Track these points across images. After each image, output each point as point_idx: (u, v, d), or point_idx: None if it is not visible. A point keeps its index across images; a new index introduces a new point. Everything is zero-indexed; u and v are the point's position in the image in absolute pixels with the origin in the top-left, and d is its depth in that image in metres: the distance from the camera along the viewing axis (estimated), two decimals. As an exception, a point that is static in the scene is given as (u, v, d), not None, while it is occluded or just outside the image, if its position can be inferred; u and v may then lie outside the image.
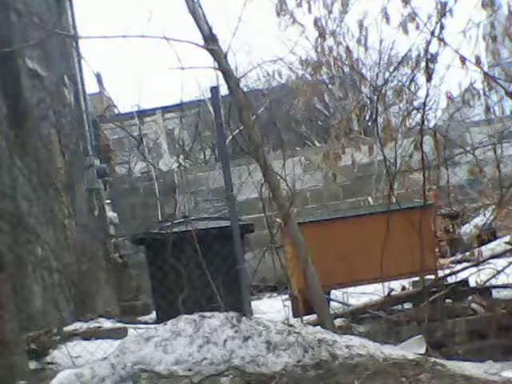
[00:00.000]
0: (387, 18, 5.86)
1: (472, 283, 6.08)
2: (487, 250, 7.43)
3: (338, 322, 6.59)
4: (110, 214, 11.12)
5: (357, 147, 6.37)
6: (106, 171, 10.49)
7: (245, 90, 9.21)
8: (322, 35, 6.26)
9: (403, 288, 6.26)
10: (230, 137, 7.07)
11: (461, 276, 6.03)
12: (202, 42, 6.45)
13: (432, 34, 5.63)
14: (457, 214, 10.37)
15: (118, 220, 11.32)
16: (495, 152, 6.58)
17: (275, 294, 8.89)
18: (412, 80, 6.79)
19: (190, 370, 4.98)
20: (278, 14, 6.17)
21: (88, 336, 6.35)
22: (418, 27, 5.71)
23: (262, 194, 6.56)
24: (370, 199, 11.53)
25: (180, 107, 13.50)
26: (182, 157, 17.68)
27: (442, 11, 5.59)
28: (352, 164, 6.62)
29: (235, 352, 5.09)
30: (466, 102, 5.99)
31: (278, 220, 6.61)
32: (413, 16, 5.68)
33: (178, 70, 6.09)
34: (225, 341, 5.17)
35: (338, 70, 6.76)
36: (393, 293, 6.08)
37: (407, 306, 5.88)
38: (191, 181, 12.97)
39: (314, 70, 6.55)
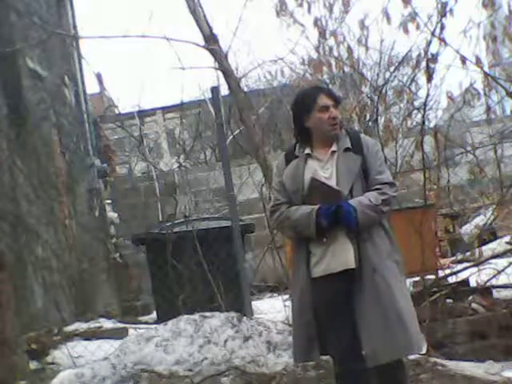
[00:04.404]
0: (388, 18, 5.85)
1: (472, 283, 6.08)
2: (488, 249, 7.42)
3: (338, 322, 6.57)
4: (111, 213, 11.13)
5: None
6: (106, 171, 10.50)
7: (245, 90, 9.21)
8: (322, 35, 6.26)
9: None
10: (231, 137, 7.08)
11: (461, 276, 6.02)
12: (202, 42, 6.46)
13: (432, 33, 5.63)
14: (457, 213, 10.37)
15: (119, 220, 11.32)
16: (496, 152, 6.57)
17: (276, 294, 8.87)
18: (413, 80, 6.80)
19: (190, 370, 4.98)
20: (278, 14, 6.17)
21: (88, 336, 6.35)
22: (418, 27, 5.71)
23: (263, 194, 6.56)
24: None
25: (180, 107, 13.48)
26: (182, 157, 17.66)
27: (443, 11, 5.59)
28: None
29: (236, 352, 5.09)
30: (466, 101, 5.99)
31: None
32: (413, 16, 5.68)
33: (179, 70, 6.11)
34: (225, 341, 5.17)
35: (338, 69, 6.74)
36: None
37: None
38: (192, 181, 12.96)
39: (315, 70, 6.54)
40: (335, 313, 3.47)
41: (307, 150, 3.65)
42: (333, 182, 3.51)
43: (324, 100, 3.59)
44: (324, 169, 3.58)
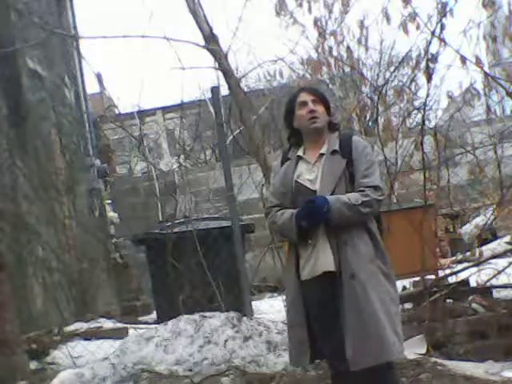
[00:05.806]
0: (388, 18, 5.86)
1: (472, 283, 6.08)
2: (488, 249, 7.41)
3: (338, 322, 6.56)
4: (111, 214, 11.11)
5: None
6: (106, 171, 10.49)
7: (245, 90, 9.21)
8: (322, 35, 6.27)
9: (404, 288, 6.25)
10: (231, 137, 7.08)
11: (461, 276, 6.02)
12: (202, 42, 6.47)
13: (432, 33, 5.63)
14: (457, 213, 10.37)
15: (119, 220, 11.31)
16: (496, 152, 6.58)
17: (276, 294, 8.88)
18: (412, 80, 6.81)
19: (190, 370, 4.98)
20: (278, 14, 6.17)
21: (89, 336, 6.34)
22: (418, 27, 5.71)
23: (263, 194, 6.56)
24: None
25: (180, 107, 13.52)
26: (182, 157, 17.67)
27: (443, 11, 5.59)
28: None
29: (236, 352, 5.09)
30: (466, 101, 5.99)
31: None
32: (413, 16, 5.68)
33: (179, 70, 6.11)
34: (225, 341, 5.17)
35: (338, 69, 6.75)
36: (393, 293, 6.05)
37: (408, 305, 5.87)
38: (192, 181, 12.97)
39: (315, 70, 6.55)
40: (323, 315, 3.46)
41: (300, 152, 3.65)
42: (316, 185, 3.51)
43: (303, 97, 3.62)
44: (310, 171, 3.58)
